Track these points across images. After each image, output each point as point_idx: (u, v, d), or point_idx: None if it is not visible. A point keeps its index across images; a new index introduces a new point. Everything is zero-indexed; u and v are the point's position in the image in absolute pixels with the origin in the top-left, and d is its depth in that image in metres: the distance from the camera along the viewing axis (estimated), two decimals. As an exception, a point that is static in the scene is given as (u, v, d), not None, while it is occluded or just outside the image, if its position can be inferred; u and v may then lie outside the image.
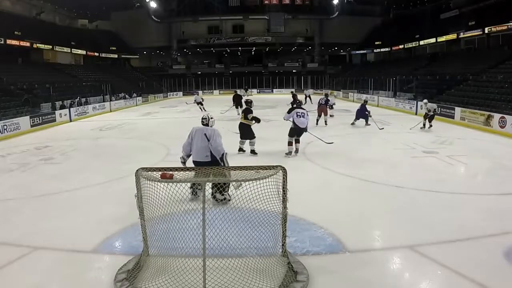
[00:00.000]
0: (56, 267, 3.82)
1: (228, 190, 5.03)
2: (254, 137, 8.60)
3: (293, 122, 8.40)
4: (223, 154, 5.20)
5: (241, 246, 3.74)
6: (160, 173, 3.44)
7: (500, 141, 10.89)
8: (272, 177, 3.77)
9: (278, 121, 15.69)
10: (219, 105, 25.91)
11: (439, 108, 16.49)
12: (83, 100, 22.27)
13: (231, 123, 15.91)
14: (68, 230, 4.68)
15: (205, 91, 41.11)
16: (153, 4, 38.38)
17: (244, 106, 9.37)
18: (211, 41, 43.52)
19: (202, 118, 5.52)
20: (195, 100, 21.99)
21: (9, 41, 25.31)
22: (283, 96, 36.44)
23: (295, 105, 9.36)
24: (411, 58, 33.97)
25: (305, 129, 8.44)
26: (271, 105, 25.65)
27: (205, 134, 5.25)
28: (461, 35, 27.02)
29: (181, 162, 5.46)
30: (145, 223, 3.71)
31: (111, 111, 22.58)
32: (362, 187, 6.41)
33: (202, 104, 21.21)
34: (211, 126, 5.47)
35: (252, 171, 3.86)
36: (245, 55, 48.30)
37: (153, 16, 40.26)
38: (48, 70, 28.07)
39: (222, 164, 5.16)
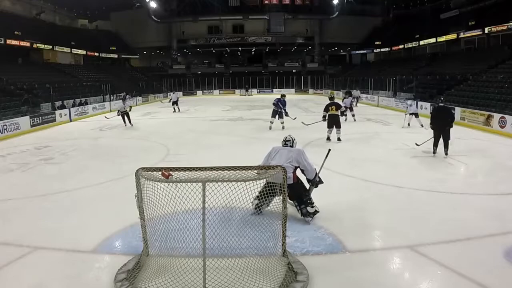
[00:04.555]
0: (56, 267, 3.82)
1: (313, 201, 4.77)
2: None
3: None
4: (316, 173, 4.91)
5: (241, 246, 3.75)
6: (160, 173, 3.44)
7: (500, 141, 10.88)
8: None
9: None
10: (220, 105, 25.97)
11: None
12: (83, 100, 22.30)
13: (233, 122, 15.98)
14: (68, 230, 4.68)
15: (205, 91, 41.14)
16: (153, 4, 38.34)
17: None
18: (211, 41, 43.50)
19: (286, 140, 5.06)
20: (171, 99, 21.87)
21: (9, 41, 25.29)
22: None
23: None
24: (411, 58, 33.95)
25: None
26: (271, 105, 25.62)
27: (291, 156, 4.75)
28: (461, 35, 27.01)
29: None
30: (145, 223, 3.71)
31: (111, 111, 22.56)
32: (362, 187, 6.41)
33: (177, 104, 21.04)
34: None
35: (252, 171, 3.86)
36: (245, 55, 48.27)
37: (153, 16, 40.22)
38: (48, 70, 28.06)
39: (310, 184, 4.93)
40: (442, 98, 9.82)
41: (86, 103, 21.94)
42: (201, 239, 3.32)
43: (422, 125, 12.28)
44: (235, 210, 4.38)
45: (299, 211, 4.73)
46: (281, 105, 12.73)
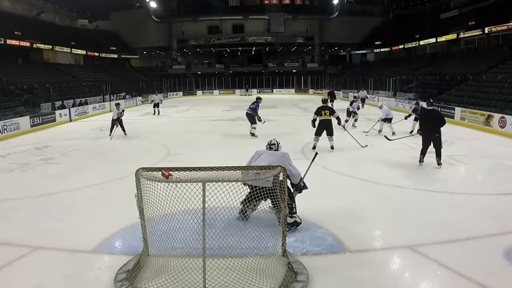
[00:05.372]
0: (56, 267, 3.82)
1: (295, 210, 4.53)
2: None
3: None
4: (301, 178, 4.70)
5: (241, 246, 3.75)
6: (160, 173, 3.44)
7: (500, 141, 10.88)
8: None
9: (279, 121, 15.72)
10: (220, 105, 25.98)
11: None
12: (83, 100, 22.31)
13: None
14: (68, 230, 4.68)
15: (205, 91, 41.16)
16: (153, 4, 38.37)
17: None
18: (211, 41, 43.53)
19: (271, 144, 4.87)
20: (152, 100, 20.52)
21: (9, 41, 25.30)
22: (283, 96, 36.52)
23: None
24: (411, 58, 33.98)
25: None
26: (271, 105, 25.64)
27: (274, 160, 4.48)
28: (461, 35, 27.03)
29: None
30: (145, 223, 3.71)
31: (111, 111, 22.54)
32: (362, 187, 6.41)
33: (158, 107, 19.90)
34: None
35: (252, 171, 3.86)
36: (245, 55, 48.29)
37: (153, 16, 40.26)
38: (48, 70, 28.07)
39: (294, 189, 4.69)
40: (431, 101, 8.94)
41: (86, 103, 21.95)
42: (201, 239, 3.32)
43: (394, 133, 11.29)
44: (235, 210, 4.39)
45: (278, 219, 4.28)
46: (257, 110, 11.53)
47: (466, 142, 10.69)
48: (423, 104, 12.72)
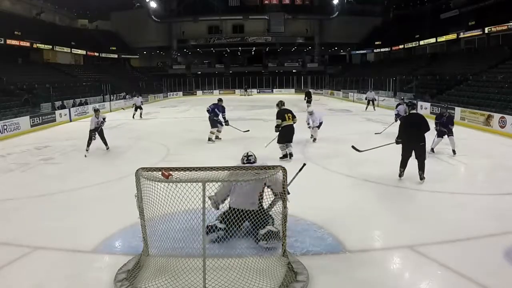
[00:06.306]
0: (56, 267, 3.82)
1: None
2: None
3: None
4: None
5: (241, 246, 3.75)
6: (160, 173, 3.44)
7: (500, 141, 10.88)
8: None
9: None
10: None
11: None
12: (83, 100, 22.32)
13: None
14: (68, 230, 4.67)
15: (205, 91, 41.16)
16: (153, 4, 38.40)
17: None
18: (211, 41, 43.57)
19: (248, 156, 4.59)
20: (134, 104, 18.85)
21: (9, 41, 25.34)
22: (283, 96, 36.48)
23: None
24: (411, 58, 33.98)
25: None
26: (271, 105, 25.60)
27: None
28: (461, 35, 27.05)
29: (214, 207, 4.27)
30: (145, 223, 3.71)
31: (111, 111, 22.56)
32: (362, 187, 6.41)
33: (141, 109, 18.37)
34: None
35: (252, 171, 3.86)
36: (245, 55, 48.32)
37: (153, 16, 40.30)
38: (48, 70, 28.09)
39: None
40: (414, 103, 7.20)
41: (86, 103, 21.95)
42: (201, 239, 3.32)
43: (314, 139, 10.64)
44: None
45: (255, 237, 4.00)
46: (218, 112, 10.50)
47: (466, 142, 10.67)
48: (403, 108, 10.84)
